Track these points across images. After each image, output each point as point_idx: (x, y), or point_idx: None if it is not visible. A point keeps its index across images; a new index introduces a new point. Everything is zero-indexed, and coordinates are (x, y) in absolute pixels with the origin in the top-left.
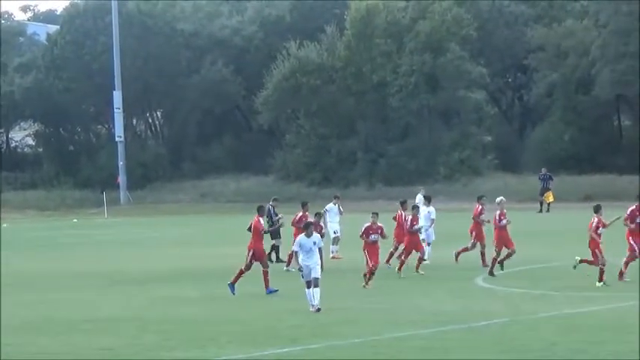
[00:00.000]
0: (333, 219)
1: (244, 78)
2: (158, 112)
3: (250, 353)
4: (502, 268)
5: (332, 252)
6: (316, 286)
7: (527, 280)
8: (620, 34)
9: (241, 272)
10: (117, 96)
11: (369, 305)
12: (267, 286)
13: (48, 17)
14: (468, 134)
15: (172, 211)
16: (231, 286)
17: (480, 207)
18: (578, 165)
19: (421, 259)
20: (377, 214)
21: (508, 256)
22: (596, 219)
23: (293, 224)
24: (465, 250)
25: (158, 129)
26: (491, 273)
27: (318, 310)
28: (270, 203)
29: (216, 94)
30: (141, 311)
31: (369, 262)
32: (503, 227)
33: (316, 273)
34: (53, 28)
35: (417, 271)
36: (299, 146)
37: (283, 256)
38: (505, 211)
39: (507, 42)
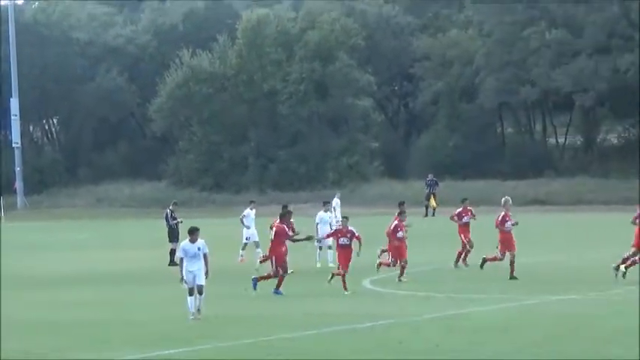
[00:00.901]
0: (250, 224)
1: (138, 86)
2: (54, 119)
3: (144, 354)
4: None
5: (241, 256)
6: (200, 293)
7: (412, 283)
8: (503, 44)
9: (281, 278)
10: (14, 103)
11: (260, 307)
12: (278, 286)
13: None
14: (355, 141)
15: (68, 215)
16: (277, 291)
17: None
18: (462, 171)
19: (403, 268)
20: (347, 218)
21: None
22: None
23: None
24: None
25: (54, 135)
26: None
27: (198, 316)
28: (170, 207)
29: (111, 102)
30: (35, 314)
31: (340, 266)
32: (509, 230)
33: (200, 280)
34: None
35: (400, 279)
36: (191, 152)
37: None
38: (510, 212)
39: (394, 51)
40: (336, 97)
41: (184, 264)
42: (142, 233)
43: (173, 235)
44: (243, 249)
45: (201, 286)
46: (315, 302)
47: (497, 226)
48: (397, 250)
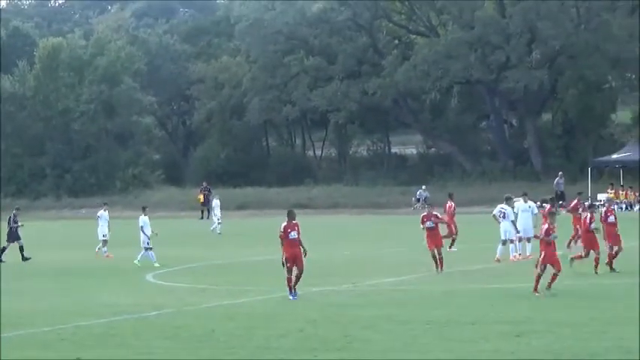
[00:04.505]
0: (104, 224)
1: None
2: None
3: None
4: (611, 269)
5: (104, 252)
6: None
7: (192, 276)
8: (267, 69)
9: (289, 280)
10: None
11: (58, 299)
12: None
13: None
14: (140, 153)
15: None
16: (292, 293)
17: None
18: (233, 179)
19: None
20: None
21: (615, 254)
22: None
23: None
24: (581, 257)
25: None
26: (611, 268)
27: None
28: (13, 212)
29: None
30: None
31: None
32: (612, 224)
33: None
34: None
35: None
36: None
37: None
38: (613, 208)
39: (173, 75)
40: (122, 116)
41: None
42: None
43: (10, 236)
44: (103, 246)
45: None
46: (105, 294)
47: (601, 222)
48: (549, 255)
